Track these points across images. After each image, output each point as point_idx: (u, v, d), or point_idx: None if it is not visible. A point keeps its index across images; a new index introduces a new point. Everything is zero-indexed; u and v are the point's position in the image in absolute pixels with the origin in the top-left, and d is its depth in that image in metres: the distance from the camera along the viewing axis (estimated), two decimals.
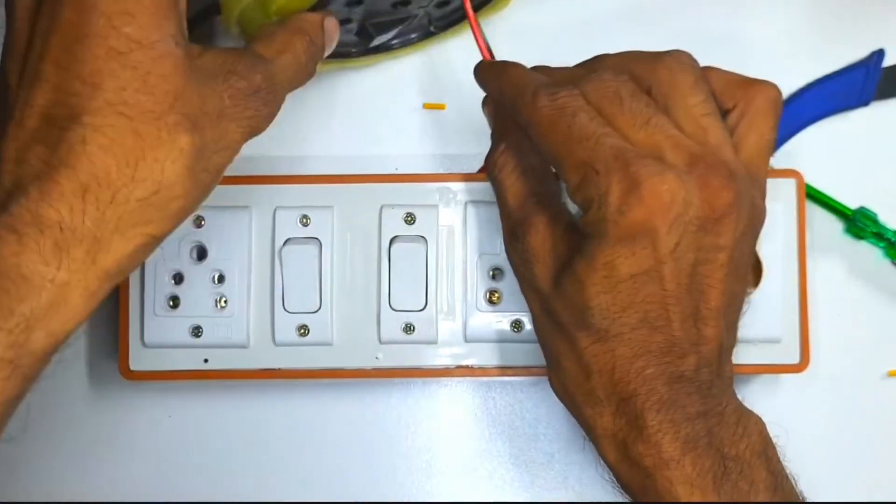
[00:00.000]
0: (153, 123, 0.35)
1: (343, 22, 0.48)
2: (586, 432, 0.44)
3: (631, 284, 0.40)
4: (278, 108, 0.41)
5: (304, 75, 0.43)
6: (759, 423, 0.42)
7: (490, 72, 0.47)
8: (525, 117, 0.43)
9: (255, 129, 0.40)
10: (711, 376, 0.42)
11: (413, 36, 0.54)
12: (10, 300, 0.33)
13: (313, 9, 0.44)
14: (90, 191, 0.34)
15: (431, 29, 0.54)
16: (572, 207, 0.44)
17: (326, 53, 0.45)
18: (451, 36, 0.55)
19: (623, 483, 0.43)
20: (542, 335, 0.46)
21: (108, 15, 0.34)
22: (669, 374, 0.41)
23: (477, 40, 0.48)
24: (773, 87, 0.44)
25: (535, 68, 0.47)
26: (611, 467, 0.43)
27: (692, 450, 0.40)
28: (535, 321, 0.46)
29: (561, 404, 0.46)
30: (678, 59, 0.43)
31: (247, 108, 0.39)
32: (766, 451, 0.42)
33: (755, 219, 0.43)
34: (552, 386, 0.46)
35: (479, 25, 0.48)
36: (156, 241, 0.36)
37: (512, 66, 0.46)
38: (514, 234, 0.46)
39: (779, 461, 0.42)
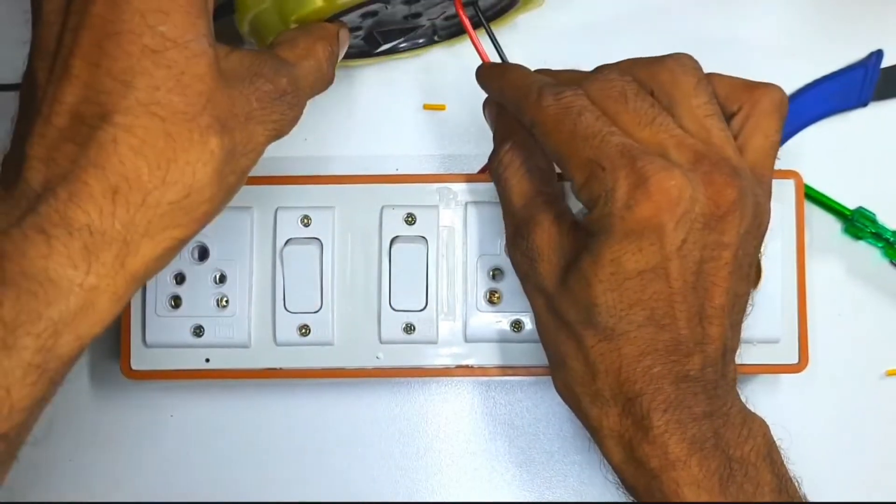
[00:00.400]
0: (185, 125, 0.34)
1: (352, 29, 0.48)
2: (591, 433, 0.44)
3: (638, 281, 0.40)
4: (301, 112, 0.41)
5: (325, 81, 0.43)
6: (763, 426, 0.42)
7: (492, 73, 0.47)
8: (530, 117, 0.43)
9: (280, 133, 0.39)
10: (716, 376, 0.42)
11: (420, 41, 0.55)
12: (38, 304, 0.32)
13: (329, 20, 0.45)
14: (120, 192, 0.33)
15: (435, 38, 0.55)
16: (575, 207, 0.45)
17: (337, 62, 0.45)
18: (455, 42, 0.55)
19: (628, 484, 0.43)
20: (547, 335, 0.45)
21: (142, 12, 0.33)
22: (676, 373, 0.41)
23: (475, 46, 0.48)
24: (778, 90, 0.44)
25: (537, 71, 0.47)
26: (615, 468, 0.43)
27: (698, 451, 0.40)
28: (538, 321, 0.46)
29: (561, 404, 0.46)
30: (680, 61, 0.43)
31: (273, 112, 0.38)
32: (771, 453, 0.42)
33: (760, 218, 0.43)
34: (556, 386, 0.46)
35: (475, 33, 0.48)
36: (182, 244, 0.36)
37: (514, 67, 0.47)
38: (518, 232, 0.45)
39: (783, 464, 0.42)
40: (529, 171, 0.46)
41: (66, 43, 0.34)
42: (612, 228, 0.40)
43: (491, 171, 0.48)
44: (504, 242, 0.50)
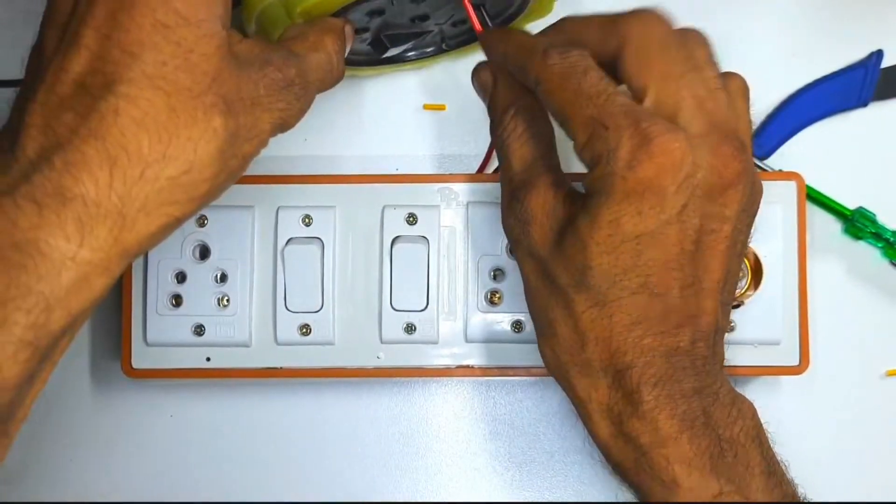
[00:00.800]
0: (190, 102, 0.34)
1: (359, 31, 0.48)
2: (576, 405, 0.43)
3: (634, 245, 0.39)
4: (308, 106, 0.40)
5: (334, 76, 0.43)
6: (751, 407, 0.42)
7: (496, 37, 0.46)
8: (534, 75, 0.42)
9: (285, 124, 0.39)
10: (707, 352, 0.41)
11: (429, 50, 0.55)
12: (29, 278, 0.31)
13: (335, 15, 0.45)
14: (118, 164, 0.32)
15: (444, 46, 0.54)
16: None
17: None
18: (465, 53, 0.55)
19: (614, 460, 0.42)
20: (536, 302, 0.44)
21: None
22: (667, 345, 0.40)
23: (469, 13, 0.47)
24: (740, 76, 0.45)
25: (540, 33, 0.46)
26: (602, 444, 0.42)
27: (689, 428, 0.40)
28: (527, 288, 0.45)
29: (561, 404, 0.46)
30: (694, 36, 0.43)
31: (279, 101, 0.38)
32: (759, 435, 0.42)
33: (755, 196, 0.42)
34: (543, 356, 0.44)
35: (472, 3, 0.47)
36: (178, 223, 0.35)
37: (518, 31, 0.46)
38: (514, 196, 0.44)
39: (770, 446, 0.42)
40: (532, 136, 0.45)
41: (80, 13, 0.34)
42: (613, 188, 0.39)
43: (492, 134, 0.47)
44: (505, 243, 0.50)
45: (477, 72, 0.48)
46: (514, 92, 0.46)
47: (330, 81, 0.43)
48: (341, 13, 0.45)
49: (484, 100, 0.48)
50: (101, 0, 0.33)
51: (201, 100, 0.34)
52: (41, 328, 0.32)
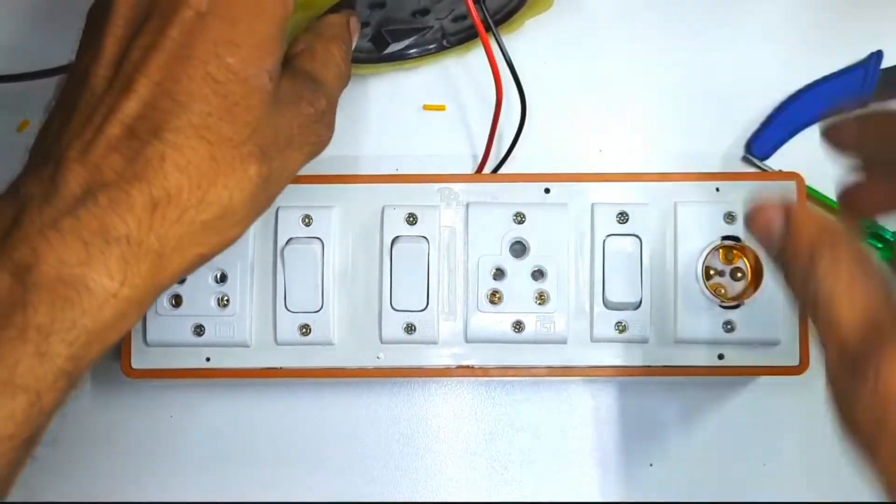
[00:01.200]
0: (230, 151, 0.35)
1: (361, 25, 0.48)
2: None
3: None
4: (334, 129, 0.42)
5: (345, 81, 0.44)
6: None
7: (802, 224, 0.35)
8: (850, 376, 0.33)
9: (314, 155, 0.41)
10: None
11: (431, 47, 0.55)
12: (74, 311, 0.32)
13: (336, 6, 0.44)
14: (160, 207, 0.34)
15: (444, 43, 0.54)
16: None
17: None
18: (466, 51, 0.55)
19: None
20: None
21: (216, 42, 0.35)
22: None
23: (469, 7, 0.47)
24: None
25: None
26: None
27: None
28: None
29: (561, 404, 0.46)
30: None
31: (311, 135, 0.40)
32: None
33: None
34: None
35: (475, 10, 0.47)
36: (205, 260, 0.37)
37: (845, 244, 0.35)
38: (855, 367, 0.32)
39: None
40: (865, 274, 0.34)
41: (134, 59, 0.35)
42: None
43: (797, 286, 0.36)
44: (506, 243, 0.50)
45: (757, 213, 0.37)
46: (825, 223, 0.35)
47: (343, 89, 0.44)
48: (342, 6, 0.45)
49: (769, 245, 0.37)
50: (159, 50, 0.35)
51: (240, 150, 0.36)
52: (80, 359, 0.33)
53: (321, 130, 0.40)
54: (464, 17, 0.51)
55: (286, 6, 0.37)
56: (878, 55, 0.56)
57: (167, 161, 0.34)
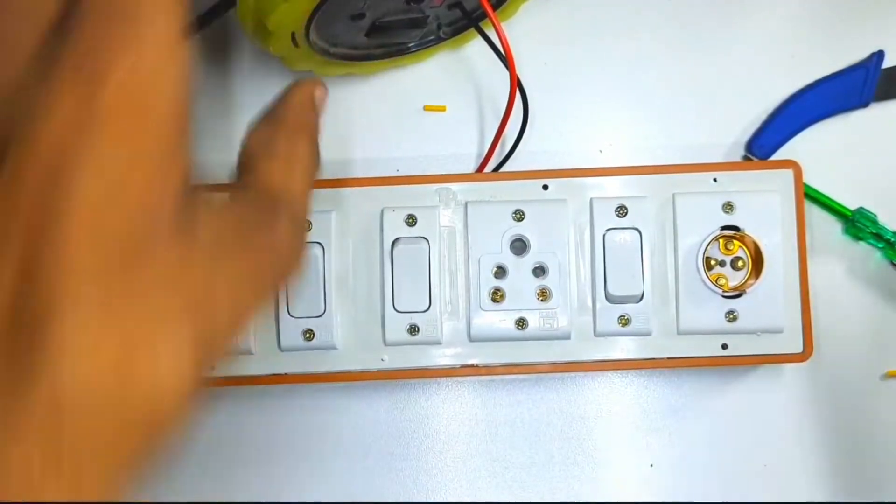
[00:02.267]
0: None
1: (355, 18, 0.48)
2: None
3: None
4: (305, 244, 0.36)
5: (315, 173, 0.36)
6: None
7: None
8: None
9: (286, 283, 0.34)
10: None
11: (430, 39, 0.55)
12: None
13: (316, 10, 0.44)
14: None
15: (441, 34, 0.54)
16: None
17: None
18: (462, 42, 0.55)
19: None
20: None
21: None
22: None
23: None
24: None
25: None
26: None
27: None
28: None
29: (561, 404, 0.45)
30: None
31: (272, 272, 0.32)
32: None
33: None
34: None
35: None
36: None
37: None
38: None
39: None
40: None
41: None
42: None
43: None
44: (506, 240, 0.50)
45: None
46: None
47: (313, 181, 0.36)
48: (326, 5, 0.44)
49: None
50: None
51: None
52: None
53: (288, 262, 0.32)
54: (457, 3, 0.51)
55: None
56: (879, 55, 0.56)
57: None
